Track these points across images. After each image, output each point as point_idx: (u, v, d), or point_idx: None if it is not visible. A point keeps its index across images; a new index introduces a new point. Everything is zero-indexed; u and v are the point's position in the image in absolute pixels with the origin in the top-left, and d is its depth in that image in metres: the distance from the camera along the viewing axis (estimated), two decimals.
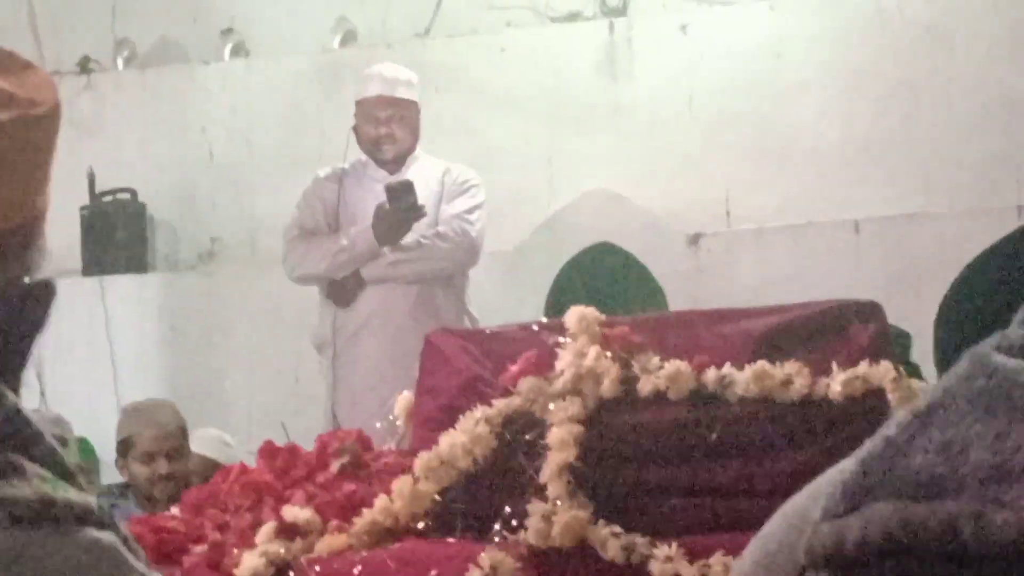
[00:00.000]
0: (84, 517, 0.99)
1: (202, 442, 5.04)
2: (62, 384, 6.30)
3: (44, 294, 1.10)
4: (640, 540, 2.67)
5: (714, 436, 2.77)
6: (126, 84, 6.86)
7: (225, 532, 2.94)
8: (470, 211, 5.02)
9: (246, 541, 2.86)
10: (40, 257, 1.11)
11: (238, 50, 6.76)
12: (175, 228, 6.71)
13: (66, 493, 0.99)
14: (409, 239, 4.90)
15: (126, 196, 6.57)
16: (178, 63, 6.86)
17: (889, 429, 0.87)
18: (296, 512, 2.90)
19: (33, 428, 1.02)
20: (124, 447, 4.65)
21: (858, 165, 5.90)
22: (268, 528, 2.86)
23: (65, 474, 1.01)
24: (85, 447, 5.95)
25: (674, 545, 2.64)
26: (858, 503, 0.84)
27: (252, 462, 3.32)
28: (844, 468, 0.88)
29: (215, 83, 6.71)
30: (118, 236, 6.52)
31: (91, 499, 1.01)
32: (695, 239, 6.02)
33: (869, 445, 0.88)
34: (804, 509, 0.92)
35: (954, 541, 0.80)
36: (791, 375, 2.80)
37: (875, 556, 0.83)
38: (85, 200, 6.57)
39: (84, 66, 6.90)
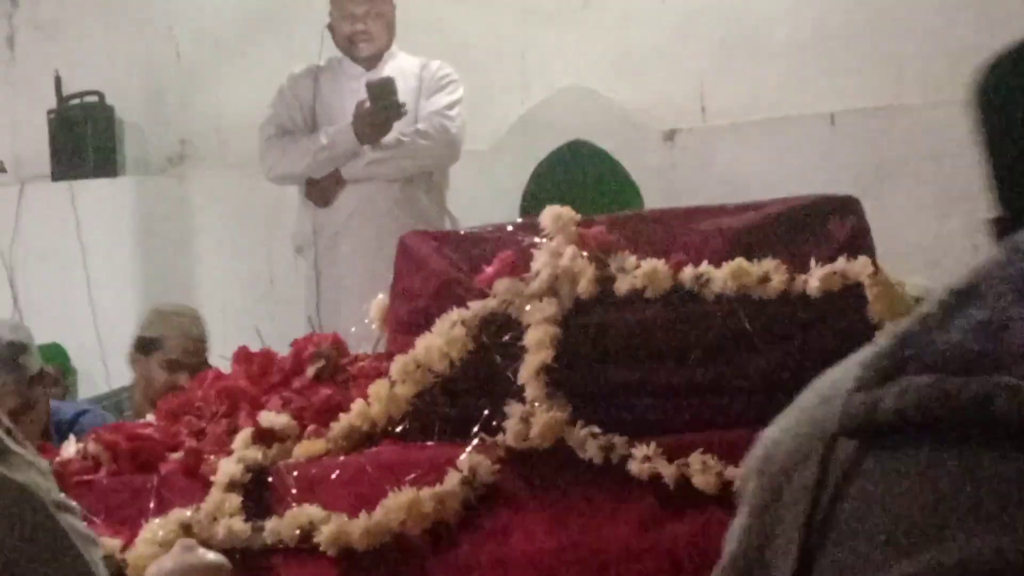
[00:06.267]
0: None
1: None
2: (35, 290, 6.27)
3: None
4: (619, 440, 2.66)
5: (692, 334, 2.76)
6: None
7: (201, 439, 2.92)
8: (450, 107, 4.96)
9: (222, 447, 2.85)
10: None
11: None
12: (144, 130, 6.63)
13: None
14: (389, 137, 4.85)
15: (94, 99, 6.49)
16: None
17: (927, 307, 0.90)
18: (272, 418, 2.88)
19: None
20: (148, 346, 4.54)
21: (833, 57, 5.85)
22: (245, 434, 2.84)
23: None
24: (58, 352, 5.93)
25: (653, 444, 2.64)
26: (894, 375, 0.87)
27: (227, 367, 3.30)
28: (880, 343, 0.91)
29: None
30: (87, 140, 6.44)
31: None
32: (670, 135, 5.98)
33: (906, 321, 0.90)
34: (836, 381, 0.94)
35: (988, 413, 0.81)
36: (768, 272, 2.78)
37: (908, 426, 0.85)
38: (52, 104, 6.48)
39: None
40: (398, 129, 4.84)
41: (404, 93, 4.82)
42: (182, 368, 4.44)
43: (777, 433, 0.98)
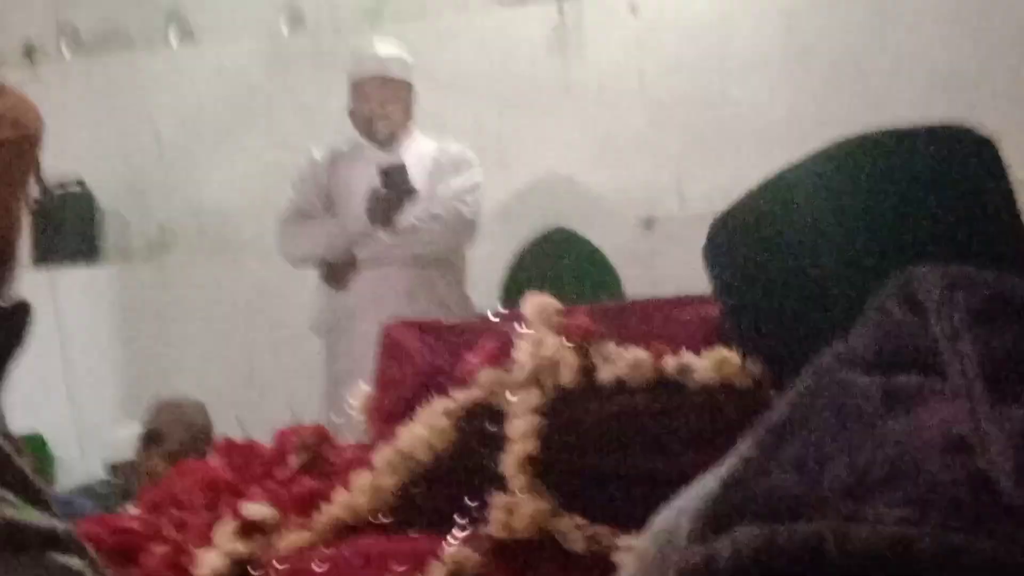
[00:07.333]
0: (49, 542, 0.99)
1: None
2: (14, 377, 6.23)
3: (21, 316, 1.10)
4: (603, 530, 2.66)
5: (675, 424, 2.77)
6: (72, 72, 6.79)
7: (184, 531, 2.91)
8: (465, 191, 5.00)
9: (205, 540, 2.84)
10: (14, 273, 1.12)
11: (184, 35, 6.70)
12: (125, 218, 6.64)
13: (32, 518, 0.99)
14: (404, 222, 4.88)
15: (75, 187, 6.51)
16: (124, 49, 6.79)
17: (745, 448, 0.88)
18: (256, 509, 2.87)
19: (3, 452, 1.02)
20: (151, 439, 4.57)
21: (808, 143, 5.83)
22: (228, 526, 2.83)
23: (35, 499, 1.01)
24: (37, 443, 5.89)
25: (638, 535, 2.63)
26: (724, 525, 0.85)
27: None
28: (706, 487, 0.90)
29: (162, 70, 6.65)
30: (68, 227, 6.45)
31: (57, 523, 1.01)
32: (649, 223, 6.02)
33: (728, 465, 0.89)
34: (674, 527, 0.92)
35: (820, 560, 0.81)
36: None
37: None
38: (33, 191, 6.49)
39: (29, 54, 6.82)
40: (413, 212, 4.88)
41: (419, 175, 4.87)
42: (183, 458, 4.42)
43: None
